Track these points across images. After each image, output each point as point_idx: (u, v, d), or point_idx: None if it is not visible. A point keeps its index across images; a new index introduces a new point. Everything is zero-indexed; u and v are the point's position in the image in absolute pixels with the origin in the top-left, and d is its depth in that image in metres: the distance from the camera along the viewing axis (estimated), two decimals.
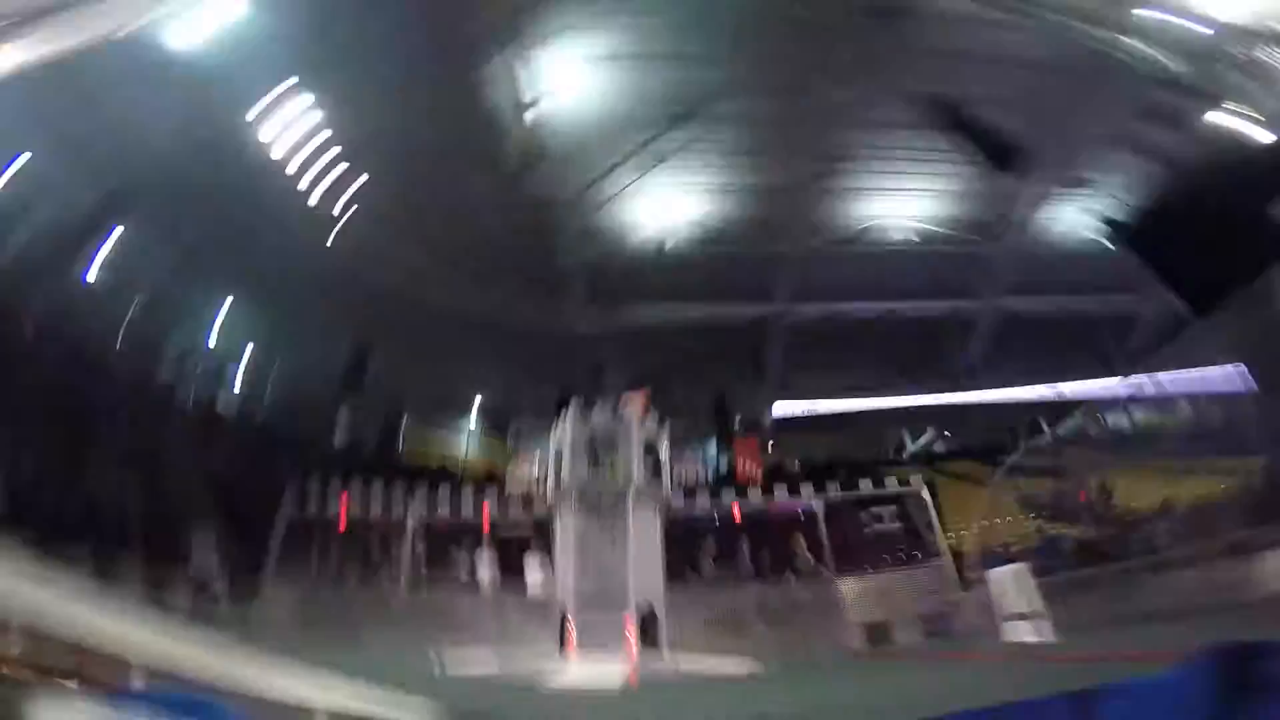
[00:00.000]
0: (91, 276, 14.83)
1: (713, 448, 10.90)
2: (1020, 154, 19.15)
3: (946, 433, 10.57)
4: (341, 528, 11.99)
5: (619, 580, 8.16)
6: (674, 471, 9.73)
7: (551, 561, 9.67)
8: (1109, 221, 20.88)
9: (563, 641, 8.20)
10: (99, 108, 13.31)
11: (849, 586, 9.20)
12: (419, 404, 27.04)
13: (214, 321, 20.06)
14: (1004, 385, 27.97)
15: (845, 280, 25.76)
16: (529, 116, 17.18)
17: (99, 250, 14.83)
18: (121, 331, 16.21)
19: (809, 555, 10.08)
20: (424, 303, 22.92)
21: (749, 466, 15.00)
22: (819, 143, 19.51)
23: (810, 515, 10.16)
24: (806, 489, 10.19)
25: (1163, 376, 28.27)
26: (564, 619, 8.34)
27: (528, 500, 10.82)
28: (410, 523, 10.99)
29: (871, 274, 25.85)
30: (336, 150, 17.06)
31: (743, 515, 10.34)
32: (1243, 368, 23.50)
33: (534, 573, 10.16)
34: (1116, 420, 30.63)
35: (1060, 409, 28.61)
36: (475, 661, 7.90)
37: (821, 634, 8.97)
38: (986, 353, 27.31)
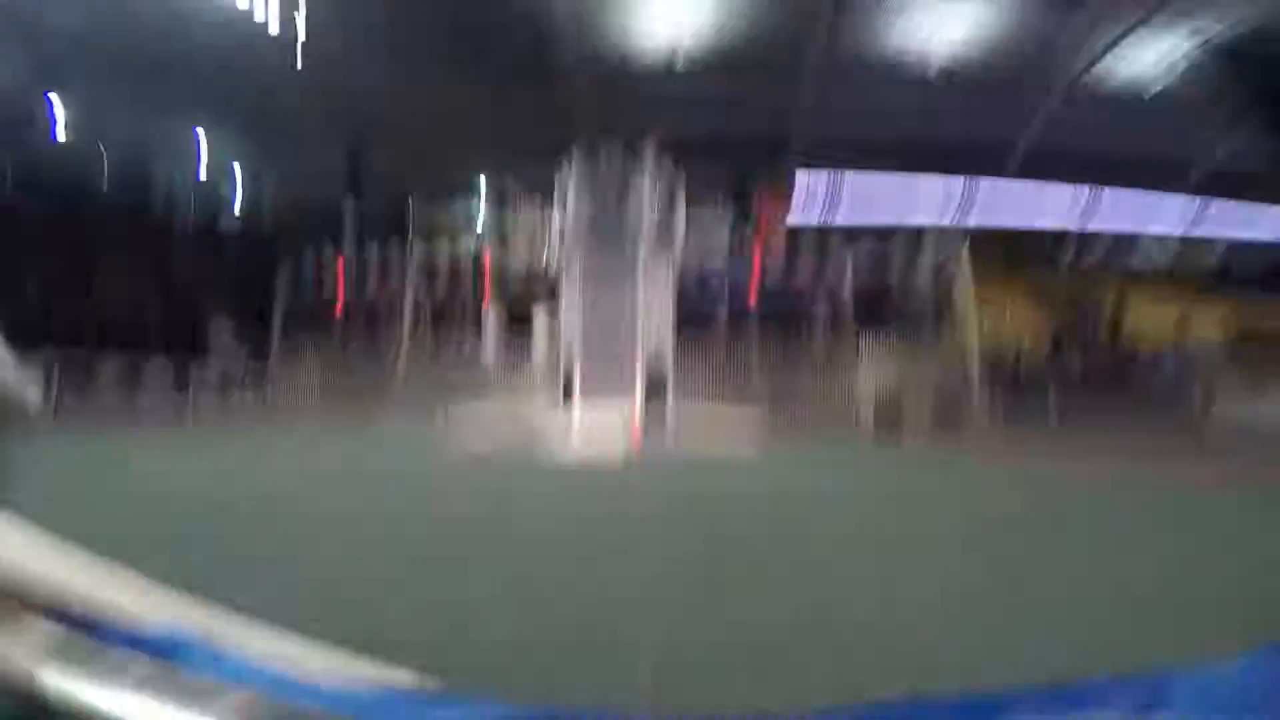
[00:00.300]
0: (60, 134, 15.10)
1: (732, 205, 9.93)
2: None
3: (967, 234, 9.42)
4: (341, 298, 11.80)
5: (628, 331, 7.85)
6: (690, 221, 8.87)
7: (557, 315, 9.43)
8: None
9: (567, 392, 8.23)
10: None
11: (867, 361, 8.80)
12: (421, 196, 25.95)
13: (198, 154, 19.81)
14: (1044, 181, 26.17)
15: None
16: None
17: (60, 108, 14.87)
18: (107, 176, 16.61)
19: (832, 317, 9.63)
20: (415, 96, 20.74)
21: (773, 220, 13.91)
22: None
23: (837, 277, 9.42)
24: (835, 243, 9.32)
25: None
26: (570, 371, 8.27)
27: (534, 256, 10.26)
28: (412, 290, 10.62)
29: (906, 98, 22.67)
30: None
31: (763, 270, 9.67)
32: None
33: (540, 327, 10.01)
34: (1146, 248, 29.12)
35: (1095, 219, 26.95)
36: (478, 419, 7.82)
37: (832, 409, 8.77)
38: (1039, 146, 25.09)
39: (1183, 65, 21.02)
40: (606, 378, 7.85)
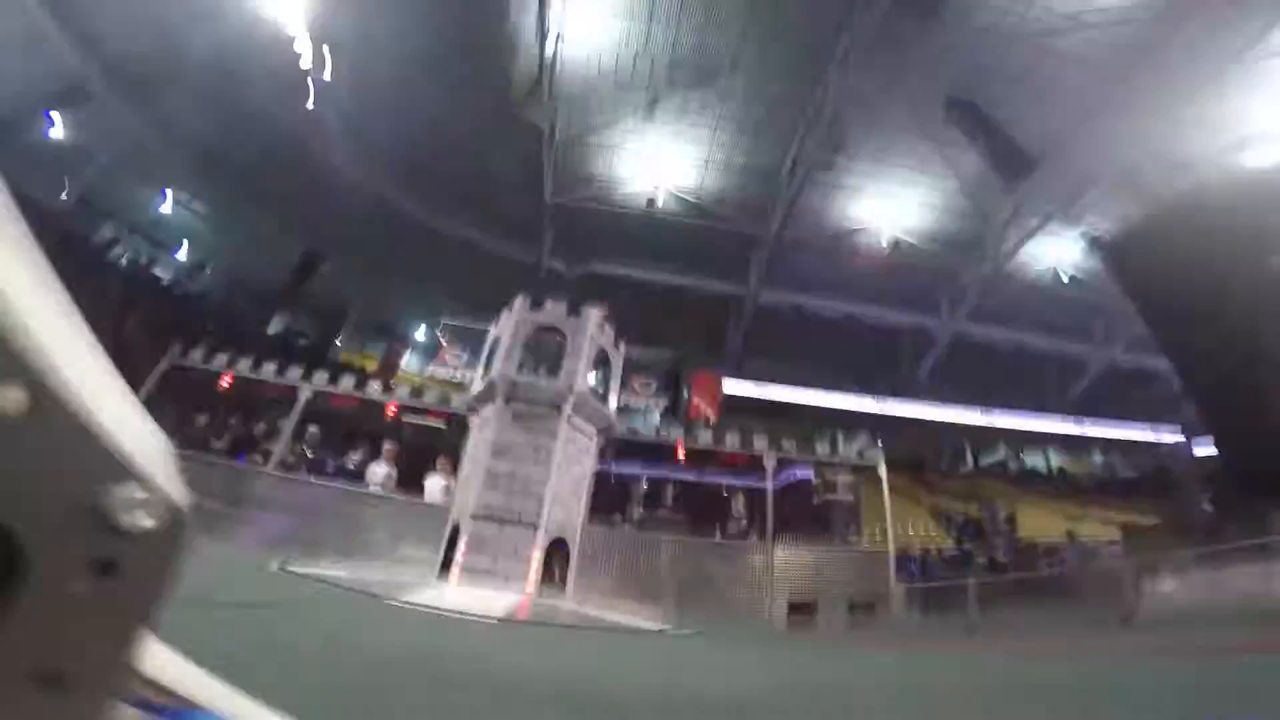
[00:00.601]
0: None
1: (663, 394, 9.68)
2: (1031, 168, 19.26)
3: (879, 442, 9.88)
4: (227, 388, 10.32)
5: (533, 498, 6.87)
6: (620, 394, 8.49)
7: (455, 465, 8.36)
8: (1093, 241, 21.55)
9: (448, 555, 6.93)
10: None
11: (782, 556, 8.24)
12: (362, 309, 25.78)
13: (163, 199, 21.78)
14: (943, 404, 29.15)
15: (817, 275, 25.95)
16: (546, 46, 17.10)
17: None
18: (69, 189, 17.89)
19: (744, 514, 9.12)
20: (395, 212, 22.07)
21: (704, 406, 13.91)
22: (820, 132, 19.35)
23: (756, 470, 9.05)
24: (761, 441, 9.06)
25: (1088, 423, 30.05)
26: (456, 529, 7.03)
27: (446, 398, 9.41)
28: (302, 400, 9.36)
29: (844, 274, 26.29)
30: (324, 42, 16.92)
31: (687, 455, 9.15)
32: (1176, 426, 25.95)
33: (436, 475, 8.80)
34: (1033, 458, 32.70)
35: (989, 436, 30.17)
36: (348, 569, 6.70)
37: (747, 600, 8.03)
38: (937, 370, 28.40)
39: (1073, 263, 24.89)
40: (496, 560, 6.67)
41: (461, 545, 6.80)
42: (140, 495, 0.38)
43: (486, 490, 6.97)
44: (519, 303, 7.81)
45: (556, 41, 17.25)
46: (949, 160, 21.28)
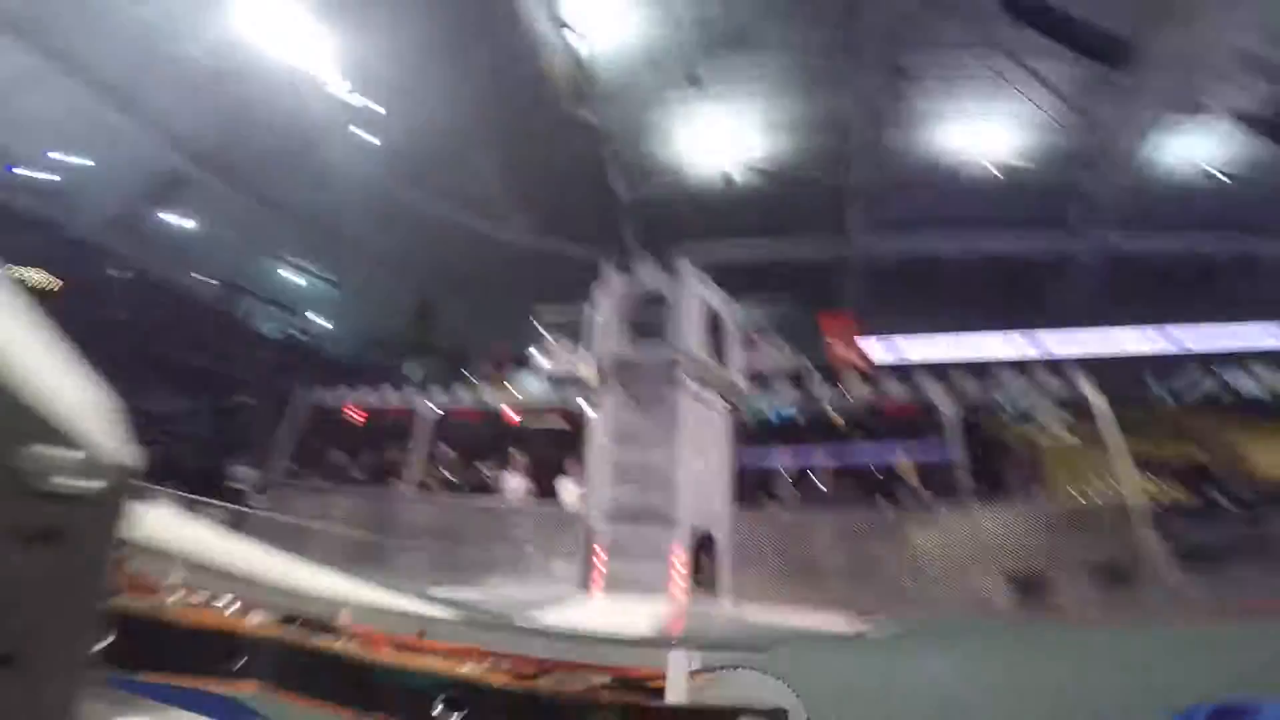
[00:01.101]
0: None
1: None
2: (1132, 52, 15.66)
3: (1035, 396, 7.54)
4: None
5: (666, 487, 5.95)
6: (745, 353, 7.29)
7: (584, 467, 7.70)
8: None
9: (588, 563, 6.21)
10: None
11: (991, 522, 6.58)
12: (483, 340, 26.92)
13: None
14: (1109, 331, 24.76)
15: (926, 214, 23.25)
16: (575, 46, 16.79)
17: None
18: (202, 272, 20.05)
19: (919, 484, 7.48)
20: (485, 241, 22.85)
21: (846, 350, 12.04)
22: (874, 67, 17.20)
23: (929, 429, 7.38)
24: (929, 382, 7.40)
25: None
26: (590, 540, 6.30)
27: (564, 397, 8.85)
28: (427, 421, 9.28)
29: (955, 209, 23.34)
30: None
31: (843, 414, 7.70)
32: None
33: (568, 479, 8.22)
34: (1241, 382, 26.32)
35: (1175, 362, 24.87)
36: (487, 588, 6.27)
37: (940, 582, 6.49)
38: (1091, 295, 24.25)
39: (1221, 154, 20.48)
40: (637, 564, 5.83)
41: (598, 551, 6.06)
42: (74, 456, 0.34)
43: (614, 485, 6.17)
44: (609, 274, 6.96)
45: (578, 37, 16.83)
46: (1029, 69, 18.47)
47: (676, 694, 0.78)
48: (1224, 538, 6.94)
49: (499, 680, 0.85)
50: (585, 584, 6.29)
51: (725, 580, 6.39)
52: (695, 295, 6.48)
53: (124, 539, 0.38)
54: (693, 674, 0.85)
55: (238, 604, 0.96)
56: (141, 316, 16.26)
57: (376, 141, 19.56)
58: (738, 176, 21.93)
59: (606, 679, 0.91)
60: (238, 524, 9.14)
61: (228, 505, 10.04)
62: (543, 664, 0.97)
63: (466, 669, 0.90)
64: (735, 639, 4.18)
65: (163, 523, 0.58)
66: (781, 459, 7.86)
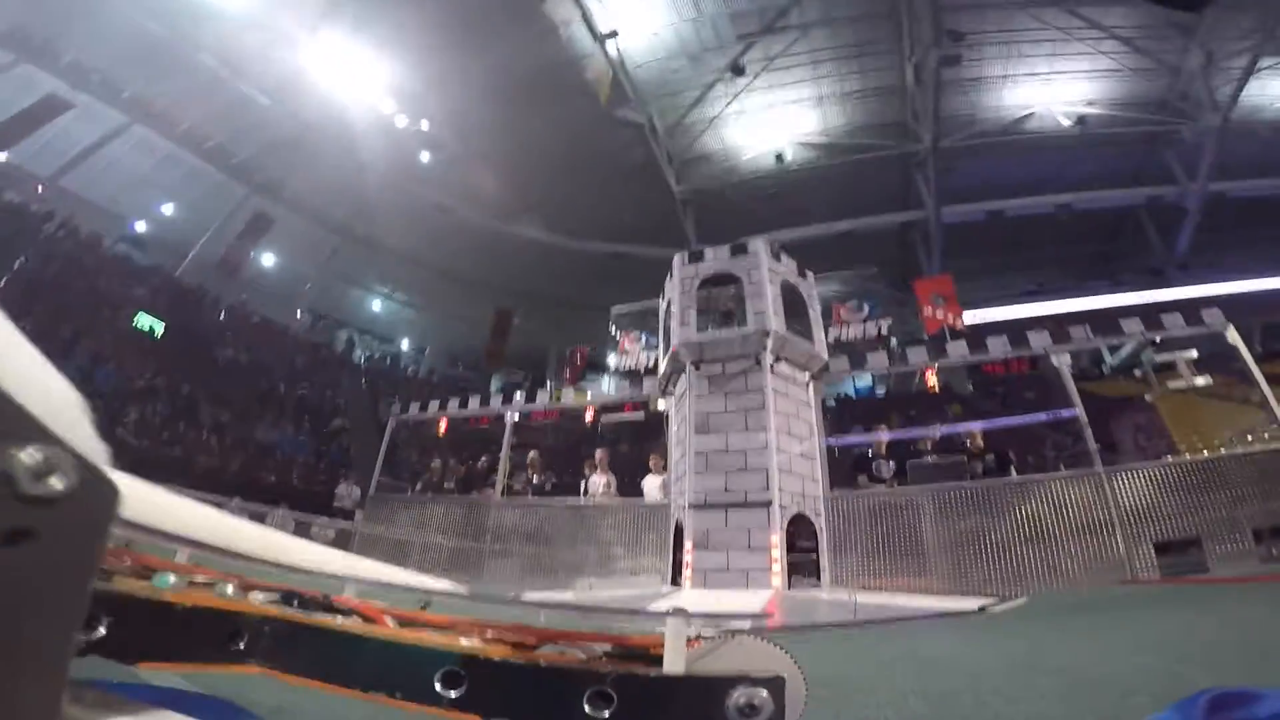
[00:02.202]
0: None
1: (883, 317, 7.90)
2: None
3: (1162, 337, 6.62)
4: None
5: (756, 471, 5.75)
6: (827, 327, 6.97)
7: (666, 457, 7.61)
8: None
9: (677, 558, 6.10)
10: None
11: (1125, 483, 5.93)
12: (560, 347, 27.66)
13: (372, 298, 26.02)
14: (1225, 277, 22.56)
15: (1005, 175, 21.99)
16: (609, 47, 16.91)
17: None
18: (300, 308, 21.97)
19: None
20: (551, 250, 23.47)
21: (945, 313, 11.31)
22: (926, 30, 16.43)
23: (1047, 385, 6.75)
24: (1039, 338, 6.79)
25: None
26: (679, 528, 6.18)
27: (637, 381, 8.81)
28: (509, 425, 9.50)
29: (1036, 166, 21.98)
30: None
31: (941, 385, 7.19)
32: None
33: (652, 473, 8.16)
34: None
35: None
36: (578, 588, 6.27)
37: (1076, 557, 5.90)
38: (1195, 244, 22.33)
39: None
40: (728, 554, 5.65)
41: (687, 545, 5.93)
42: (44, 456, 0.33)
43: (699, 475, 6.02)
44: (678, 261, 6.84)
45: (614, 38, 16.91)
46: (1091, 19, 17.23)
47: (674, 662, 0.77)
48: None
49: (499, 653, 0.83)
50: (676, 579, 6.18)
51: (825, 566, 6.09)
52: (769, 271, 6.25)
53: (106, 535, 0.37)
54: (690, 641, 0.82)
55: (236, 584, 0.96)
56: (249, 354, 17.69)
57: (443, 166, 20.56)
58: (791, 156, 21.35)
59: (607, 648, 0.90)
60: (344, 541, 9.69)
61: (336, 522, 10.69)
62: (543, 634, 0.95)
63: (466, 642, 0.88)
64: (844, 623, 3.92)
65: (157, 504, 0.57)
66: (878, 435, 7.42)
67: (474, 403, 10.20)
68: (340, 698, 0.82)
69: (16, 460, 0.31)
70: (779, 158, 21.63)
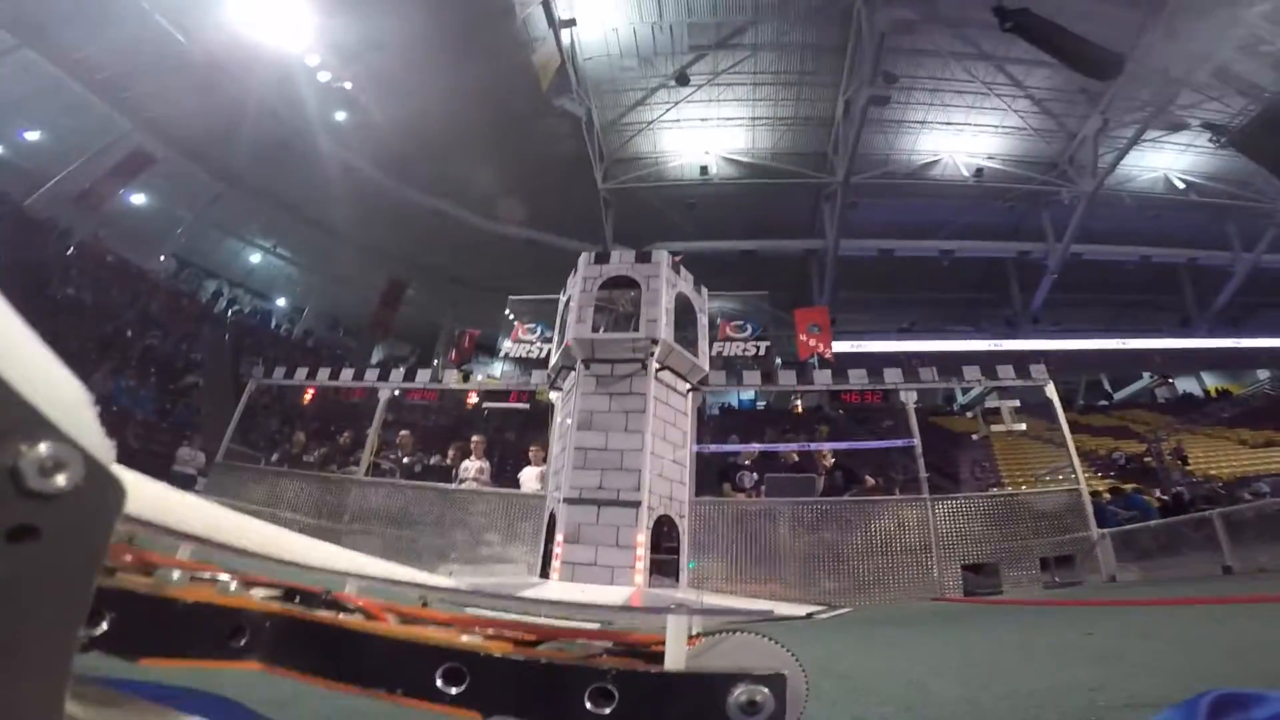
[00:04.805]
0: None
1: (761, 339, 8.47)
2: (1118, 64, 16.55)
3: (996, 385, 7.89)
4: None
5: (630, 472, 5.91)
6: (712, 341, 7.33)
7: (547, 449, 7.61)
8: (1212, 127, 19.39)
9: (548, 550, 6.13)
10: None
11: (945, 509, 6.74)
12: (451, 325, 26.42)
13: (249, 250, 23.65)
14: (1068, 334, 25.89)
15: (901, 216, 23.84)
16: (564, 35, 16.69)
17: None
18: (165, 251, 19.62)
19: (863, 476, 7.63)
20: (459, 226, 22.35)
21: (816, 342, 12.32)
22: (864, 70, 17.90)
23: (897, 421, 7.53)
24: (893, 374, 7.55)
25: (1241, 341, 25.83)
26: (553, 520, 6.21)
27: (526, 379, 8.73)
28: (383, 401, 9.01)
29: (930, 212, 24.01)
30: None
31: (805, 408, 7.80)
32: None
33: (530, 464, 8.11)
34: (1185, 383, 28.06)
35: (1128, 363, 26.18)
36: (440, 576, 6.09)
37: (896, 567, 6.63)
38: (1054, 299, 25.36)
39: (1187, 167, 21.89)
40: (596, 550, 5.77)
41: (559, 537, 5.97)
42: (51, 452, 0.32)
43: (577, 470, 6.08)
44: (583, 259, 6.88)
45: (569, 26, 16.68)
46: (1015, 77, 19.52)
47: (675, 659, 0.78)
48: (1159, 530, 7.28)
49: (500, 649, 0.83)
50: (545, 570, 6.20)
51: (685, 567, 6.38)
52: (667, 282, 6.45)
53: (110, 533, 0.36)
54: (691, 638, 0.84)
55: (239, 581, 0.97)
56: (95, 295, 15.42)
57: (361, 127, 19.01)
58: (715, 170, 21.99)
59: (608, 644, 0.92)
60: None
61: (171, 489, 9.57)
62: (543, 631, 0.97)
63: (468, 639, 0.89)
64: (660, 609, 4.16)
65: (161, 500, 0.56)
66: (744, 447, 7.88)
67: (347, 374, 9.56)
68: (341, 694, 0.81)
69: (23, 456, 0.30)
70: (703, 170, 22.19)
